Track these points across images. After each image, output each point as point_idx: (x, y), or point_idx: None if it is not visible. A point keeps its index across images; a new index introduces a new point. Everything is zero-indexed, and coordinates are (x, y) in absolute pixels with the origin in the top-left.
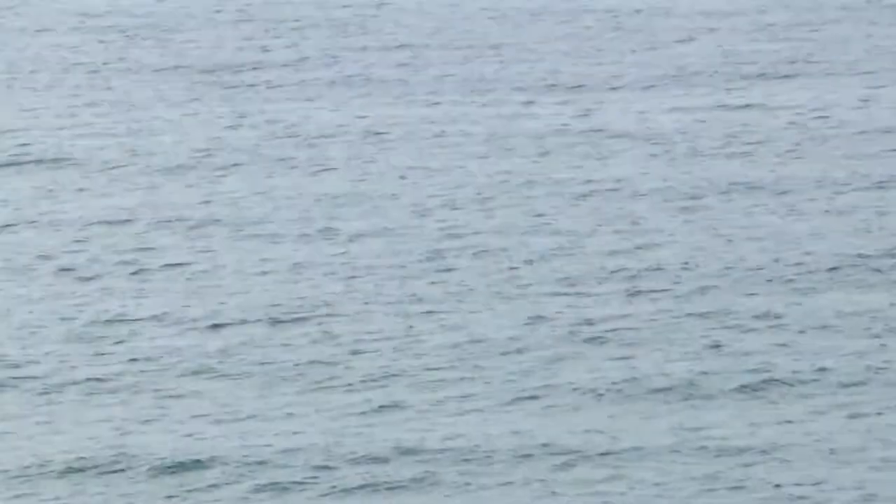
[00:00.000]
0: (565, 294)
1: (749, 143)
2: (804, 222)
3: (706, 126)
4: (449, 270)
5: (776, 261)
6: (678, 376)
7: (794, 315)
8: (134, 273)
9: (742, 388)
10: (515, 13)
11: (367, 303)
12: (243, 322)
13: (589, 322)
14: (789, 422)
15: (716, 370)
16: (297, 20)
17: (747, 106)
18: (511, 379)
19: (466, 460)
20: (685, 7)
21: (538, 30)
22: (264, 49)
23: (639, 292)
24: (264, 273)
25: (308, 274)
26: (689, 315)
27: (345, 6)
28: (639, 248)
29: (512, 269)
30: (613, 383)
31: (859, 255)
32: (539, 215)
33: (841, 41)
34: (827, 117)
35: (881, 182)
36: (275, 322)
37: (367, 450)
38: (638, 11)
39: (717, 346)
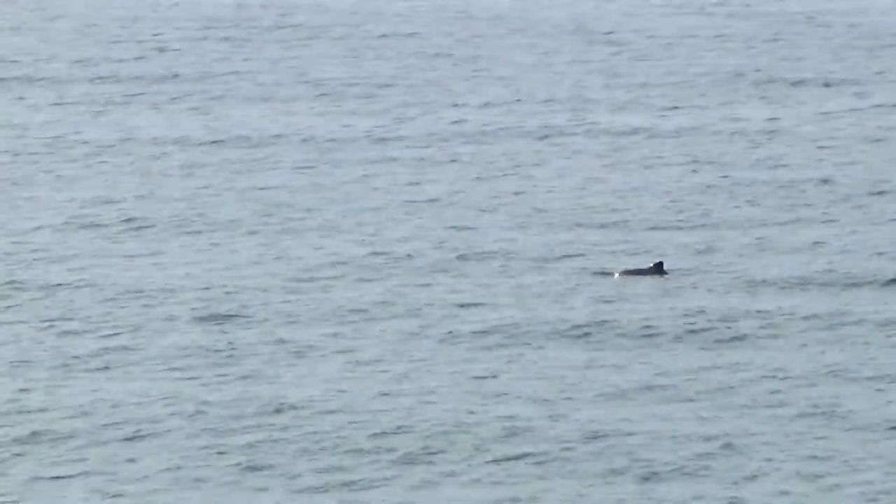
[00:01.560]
0: (491, 328)
1: (704, 157)
2: (768, 240)
3: (665, 141)
4: (374, 280)
5: (736, 274)
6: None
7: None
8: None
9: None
10: (476, 24)
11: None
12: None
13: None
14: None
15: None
16: (255, 27)
17: (705, 119)
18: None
19: None
20: (650, 24)
21: (498, 42)
22: (225, 57)
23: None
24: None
25: (249, 273)
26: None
27: (302, 13)
28: (577, 272)
29: (449, 291)
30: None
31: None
32: (473, 228)
33: (798, 57)
34: (785, 130)
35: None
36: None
37: None
38: (606, 28)
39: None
